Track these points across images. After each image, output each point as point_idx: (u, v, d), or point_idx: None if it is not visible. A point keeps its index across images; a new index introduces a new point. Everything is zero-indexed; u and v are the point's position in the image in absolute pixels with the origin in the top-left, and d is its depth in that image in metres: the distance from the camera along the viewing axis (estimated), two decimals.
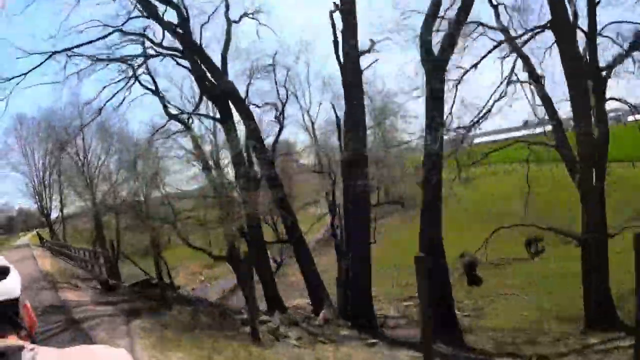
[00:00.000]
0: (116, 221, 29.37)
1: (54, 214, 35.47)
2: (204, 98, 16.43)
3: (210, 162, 15.78)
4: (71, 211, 32.76)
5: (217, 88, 14.43)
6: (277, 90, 14.40)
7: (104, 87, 16.60)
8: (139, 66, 16.53)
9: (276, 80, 14.41)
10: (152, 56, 15.28)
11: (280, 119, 14.42)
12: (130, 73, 16.58)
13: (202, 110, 16.86)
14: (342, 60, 14.91)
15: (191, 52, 14.72)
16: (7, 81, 13.98)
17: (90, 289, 12.05)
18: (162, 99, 16.80)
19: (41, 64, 14.12)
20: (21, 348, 0.82)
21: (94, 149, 28.35)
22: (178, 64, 14.82)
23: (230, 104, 14.49)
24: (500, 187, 26.75)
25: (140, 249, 34.43)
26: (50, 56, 13.98)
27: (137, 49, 17.12)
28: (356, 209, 12.52)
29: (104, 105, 15.90)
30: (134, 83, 16.74)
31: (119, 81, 16.52)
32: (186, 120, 16.46)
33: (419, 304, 11.44)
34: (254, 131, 13.87)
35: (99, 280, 12.71)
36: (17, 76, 14.03)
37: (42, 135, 32.39)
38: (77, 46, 14.16)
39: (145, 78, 16.40)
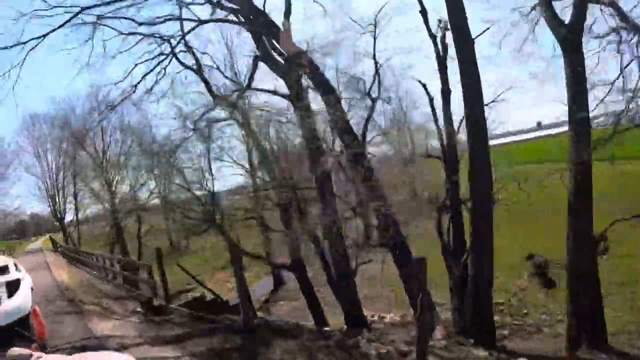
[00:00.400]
0: (138, 224, 25.69)
1: (68, 217, 31.57)
2: (254, 77, 12.93)
3: (267, 151, 12.21)
4: (88, 213, 28.99)
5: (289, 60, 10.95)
6: (375, 61, 10.89)
7: (136, 65, 13.20)
8: (179, 41, 13.10)
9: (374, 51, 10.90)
10: (205, 21, 11.78)
11: (370, 93, 10.86)
12: (167, 50, 13.21)
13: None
14: (434, 31, 11.72)
15: (250, 17, 11.27)
16: (22, 44, 10.41)
17: (130, 312, 8.31)
18: (205, 79, 13.33)
19: (65, 23, 10.57)
20: (29, 356, 0.78)
21: (115, 143, 24.60)
22: (247, 28, 11.31)
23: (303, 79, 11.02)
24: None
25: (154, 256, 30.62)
26: (77, 14, 10.44)
27: (173, 27, 13.80)
28: (480, 203, 9.23)
29: (141, 80, 12.35)
30: (170, 61, 13.33)
31: (153, 58, 13.16)
32: (237, 102, 12.90)
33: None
34: (338, 110, 10.33)
35: (140, 300, 8.99)
36: (35, 38, 10.46)
37: (56, 134, 28.71)
38: (110, 2, 10.61)
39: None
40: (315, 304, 12.24)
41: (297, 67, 11.02)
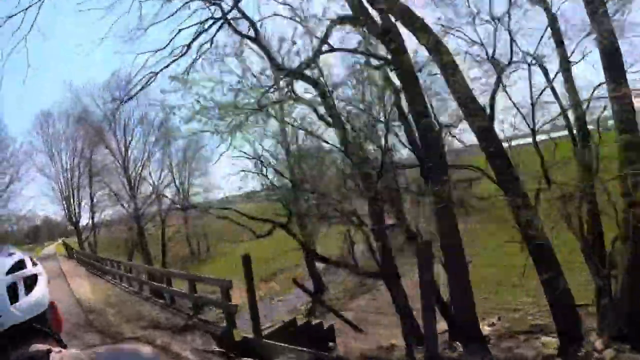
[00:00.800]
0: (162, 227, 22.44)
1: (83, 221, 28.16)
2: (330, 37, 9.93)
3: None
4: (105, 216, 25.72)
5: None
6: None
7: (180, 31, 10.34)
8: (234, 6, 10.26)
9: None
10: None
11: (494, 58, 7.86)
12: (218, 14, 10.41)
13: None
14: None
15: None
16: None
17: (203, 354, 5.13)
18: (267, 50, 10.36)
19: None
20: (49, 351, 0.77)
21: (136, 139, 21.38)
22: None
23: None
24: None
25: (176, 262, 27.25)
26: None
27: None
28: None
29: (193, 40, 9.37)
30: (219, 29, 10.48)
31: (200, 23, 10.36)
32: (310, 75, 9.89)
33: None
34: (457, 78, 7.36)
35: (210, 332, 5.81)
36: None
37: (71, 132, 25.57)
38: None
39: None
40: (411, 319, 9.15)
41: (402, 22, 8.09)
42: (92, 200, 26.28)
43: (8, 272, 0.80)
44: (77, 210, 27.58)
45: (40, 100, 53.93)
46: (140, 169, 20.81)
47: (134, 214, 19.98)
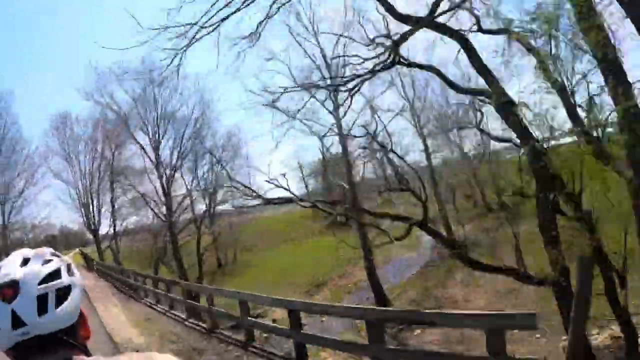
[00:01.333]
0: (197, 236, 19.08)
1: (102, 229, 24.73)
2: None
3: None
4: (127, 225, 22.39)
5: None
6: None
7: None
8: None
9: None
10: None
11: None
12: None
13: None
14: None
15: None
16: None
17: None
18: None
19: None
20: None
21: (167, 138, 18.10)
22: None
23: None
24: None
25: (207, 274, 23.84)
26: None
27: None
28: None
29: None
30: None
31: None
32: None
33: None
34: None
35: None
36: None
37: (89, 133, 22.48)
38: None
39: None
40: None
41: None
42: (113, 206, 23.02)
43: (41, 282, 0.73)
44: (96, 218, 24.30)
45: (58, 100, 50.99)
46: (176, 164, 17.42)
47: (167, 220, 16.71)
